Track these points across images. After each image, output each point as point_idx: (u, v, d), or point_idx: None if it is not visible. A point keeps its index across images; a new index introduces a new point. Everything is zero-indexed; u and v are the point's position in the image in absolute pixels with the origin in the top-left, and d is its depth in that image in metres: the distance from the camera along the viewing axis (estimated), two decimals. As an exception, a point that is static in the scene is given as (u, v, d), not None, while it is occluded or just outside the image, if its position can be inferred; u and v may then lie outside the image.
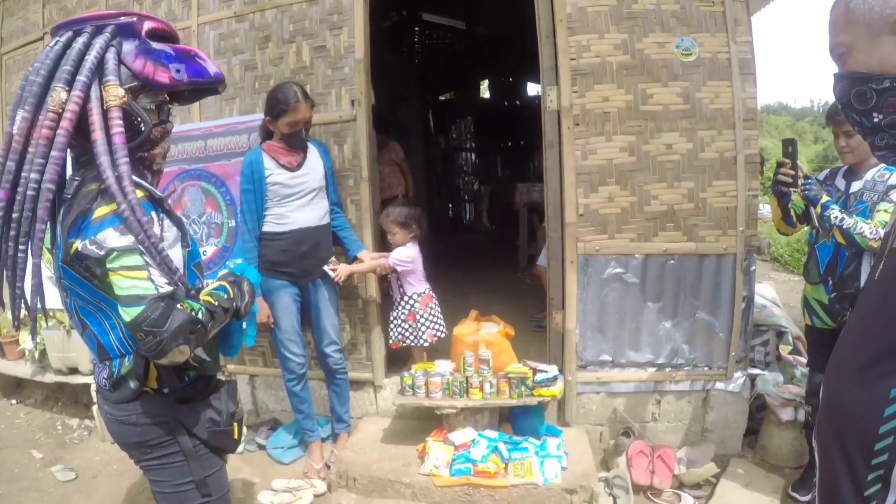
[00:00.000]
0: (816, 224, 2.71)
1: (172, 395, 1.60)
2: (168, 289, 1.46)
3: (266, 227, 3.24)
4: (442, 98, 12.55)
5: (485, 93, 13.89)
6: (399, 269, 3.65)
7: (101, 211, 1.42)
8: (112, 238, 1.40)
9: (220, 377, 1.82)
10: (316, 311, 3.40)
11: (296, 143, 3.20)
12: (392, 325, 3.79)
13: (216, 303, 1.61)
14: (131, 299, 1.41)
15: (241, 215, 3.25)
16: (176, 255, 1.54)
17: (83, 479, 3.62)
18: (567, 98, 3.32)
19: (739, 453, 3.54)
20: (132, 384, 1.57)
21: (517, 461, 3.06)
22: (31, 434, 4.31)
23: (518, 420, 3.38)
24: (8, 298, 1.49)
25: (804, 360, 3.90)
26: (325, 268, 3.33)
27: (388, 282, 3.87)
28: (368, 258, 3.49)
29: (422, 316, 3.72)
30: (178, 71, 1.56)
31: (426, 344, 3.74)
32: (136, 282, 1.42)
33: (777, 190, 2.81)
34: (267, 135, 3.27)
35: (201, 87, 1.66)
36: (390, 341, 3.81)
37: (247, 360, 4.01)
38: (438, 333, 3.77)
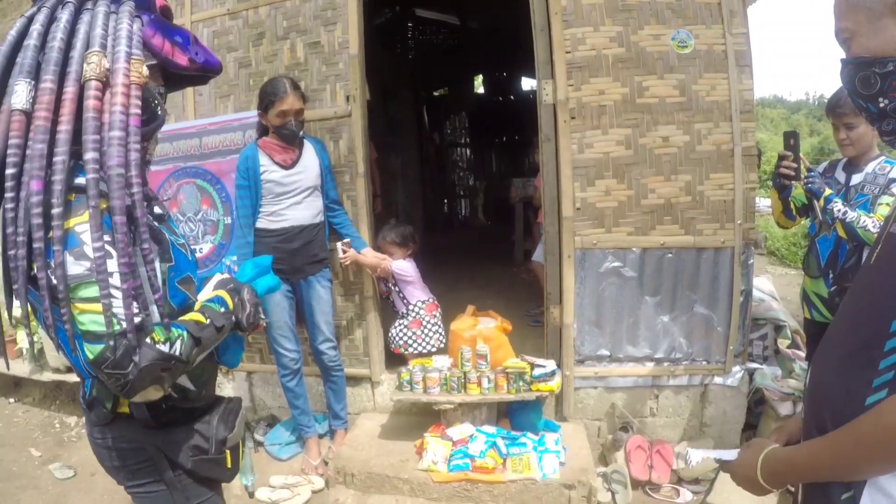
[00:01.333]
0: (820, 217, 2.69)
1: (148, 421, 1.41)
2: (131, 323, 1.20)
3: (259, 224, 3.24)
4: (436, 93, 12.50)
5: (479, 88, 13.83)
6: (398, 277, 3.73)
7: (79, 219, 1.20)
8: (68, 264, 1.18)
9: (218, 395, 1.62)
10: (309, 309, 3.40)
11: (288, 137, 3.17)
12: (395, 331, 3.80)
13: (207, 320, 1.38)
14: (89, 336, 1.18)
15: (236, 210, 3.25)
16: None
17: (81, 477, 3.64)
18: (563, 91, 3.30)
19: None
20: (107, 405, 1.40)
21: (515, 456, 3.06)
22: (29, 432, 4.31)
23: (516, 415, 3.37)
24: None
25: (802, 354, 3.89)
26: (338, 244, 3.36)
27: (392, 300, 3.91)
28: (372, 255, 3.50)
29: (428, 322, 3.77)
30: (196, 54, 1.43)
31: (434, 350, 3.75)
32: (93, 316, 1.18)
33: (778, 183, 2.79)
34: (263, 131, 3.26)
35: (203, 74, 1.51)
36: (392, 346, 3.82)
37: (244, 358, 3.98)
38: (441, 342, 3.81)
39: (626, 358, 3.49)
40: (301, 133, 3.28)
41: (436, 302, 3.88)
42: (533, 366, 3.27)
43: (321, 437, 3.67)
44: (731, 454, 1.31)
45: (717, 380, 3.48)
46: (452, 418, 3.30)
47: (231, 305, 1.48)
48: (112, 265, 1.19)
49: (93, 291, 1.18)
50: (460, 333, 3.46)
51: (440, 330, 3.82)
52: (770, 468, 1.13)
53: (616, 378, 3.52)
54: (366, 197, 3.59)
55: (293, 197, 3.23)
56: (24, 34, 1.22)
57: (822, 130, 28.23)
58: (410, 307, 3.80)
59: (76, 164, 1.21)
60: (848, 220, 2.57)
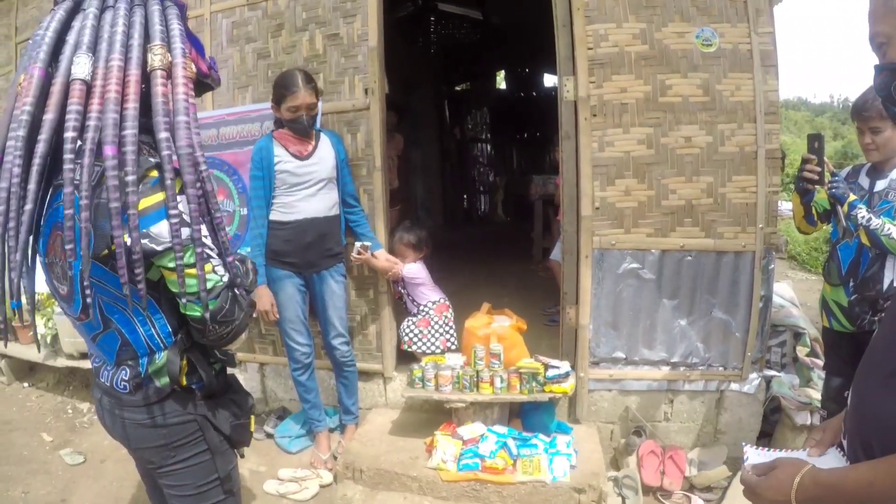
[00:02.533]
0: (844, 223, 2.62)
1: (203, 390, 1.53)
2: (228, 275, 1.42)
3: (272, 216, 3.22)
4: (458, 88, 12.48)
5: (501, 83, 13.80)
6: (408, 281, 3.72)
7: (151, 200, 1.30)
8: (169, 231, 1.30)
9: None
10: (322, 304, 3.37)
11: (300, 132, 3.14)
12: (404, 325, 3.77)
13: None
14: (194, 296, 1.36)
15: (250, 202, 3.23)
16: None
17: (91, 463, 3.65)
18: (584, 88, 3.25)
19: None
20: (158, 383, 1.47)
21: (526, 458, 3.02)
22: (41, 417, 4.34)
23: (528, 416, 3.33)
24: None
25: (821, 362, 3.81)
26: (358, 244, 3.34)
27: (404, 301, 3.86)
28: (384, 259, 3.48)
29: (436, 322, 3.71)
30: (213, 63, 1.56)
31: (438, 352, 3.67)
32: (201, 277, 1.34)
33: (801, 187, 2.71)
34: (280, 123, 3.24)
35: (209, 84, 1.61)
36: (401, 342, 3.78)
37: (257, 349, 4.01)
38: (450, 343, 3.72)
39: (641, 361, 3.44)
40: (317, 127, 3.25)
41: (447, 303, 3.82)
42: (547, 366, 3.23)
43: (331, 431, 3.65)
44: (797, 455, 1.20)
45: (734, 386, 3.42)
46: (464, 417, 3.27)
47: (242, 271, 1.63)
48: (200, 231, 1.35)
49: (194, 256, 1.33)
50: (474, 331, 3.43)
51: (450, 331, 3.76)
52: (808, 493, 1.04)
53: (631, 381, 3.47)
54: (383, 191, 3.56)
55: (307, 188, 3.20)
56: (73, 15, 1.33)
57: (846, 134, 27.81)
58: (421, 307, 3.76)
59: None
60: (872, 227, 2.50)
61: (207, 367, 1.52)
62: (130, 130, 1.26)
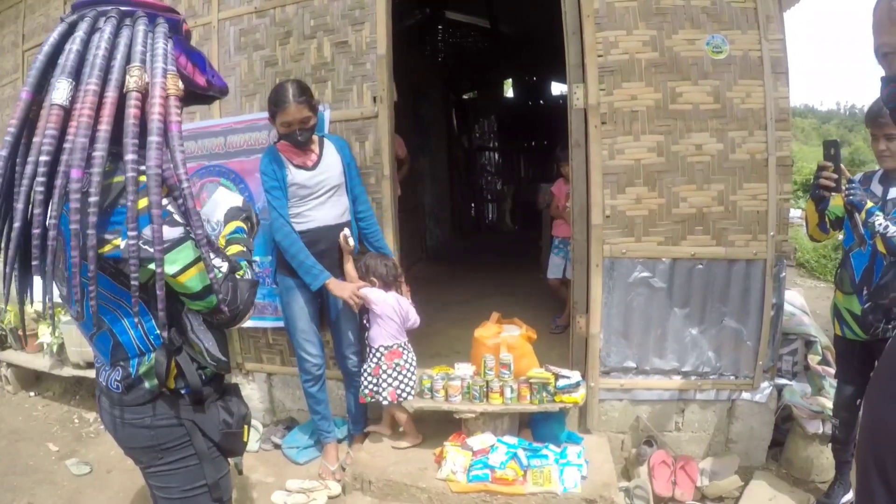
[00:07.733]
0: (861, 231, 2.58)
1: (191, 395, 1.57)
2: (226, 265, 1.50)
3: None
4: (465, 97, 12.49)
5: (508, 92, 13.80)
6: (369, 304, 3.24)
7: (143, 203, 1.33)
8: (164, 232, 1.35)
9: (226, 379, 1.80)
10: (334, 312, 3.35)
11: (298, 145, 3.09)
12: (363, 377, 3.38)
13: (245, 248, 1.68)
14: (200, 293, 1.46)
15: (274, 211, 3.11)
16: None
17: (97, 474, 3.63)
18: (594, 96, 3.23)
19: (764, 465, 3.43)
20: (148, 385, 1.52)
21: (536, 469, 2.99)
22: (47, 427, 4.32)
23: (538, 426, 3.31)
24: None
25: (833, 370, 3.78)
26: (344, 232, 3.15)
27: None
28: (355, 276, 3.24)
29: (384, 371, 3.29)
30: (213, 76, 1.60)
31: (385, 402, 3.30)
32: (199, 275, 1.44)
33: (817, 194, 2.67)
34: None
35: (213, 95, 1.67)
36: (359, 394, 3.41)
37: (264, 359, 3.99)
38: (402, 394, 3.29)
39: (652, 370, 3.41)
40: (324, 132, 3.20)
41: (402, 350, 3.30)
42: (557, 376, 3.20)
43: (340, 441, 3.63)
44: None
45: (745, 395, 3.39)
46: (473, 427, 3.25)
47: (247, 230, 1.76)
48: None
49: (190, 254, 1.42)
50: (484, 341, 3.40)
51: (400, 380, 3.29)
52: None
53: (642, 391, 3.44)
54: (392, 199, 3.55)
55: (318, 197, 3.17)
56: (66, 38, 1.37)
57: (853, 141, 27.78)
58: (373, 351, 3.31)
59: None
60: (889, 234, 2.46)
61: (194, 372, 1.55)
62: (99, 153, 1.30)
